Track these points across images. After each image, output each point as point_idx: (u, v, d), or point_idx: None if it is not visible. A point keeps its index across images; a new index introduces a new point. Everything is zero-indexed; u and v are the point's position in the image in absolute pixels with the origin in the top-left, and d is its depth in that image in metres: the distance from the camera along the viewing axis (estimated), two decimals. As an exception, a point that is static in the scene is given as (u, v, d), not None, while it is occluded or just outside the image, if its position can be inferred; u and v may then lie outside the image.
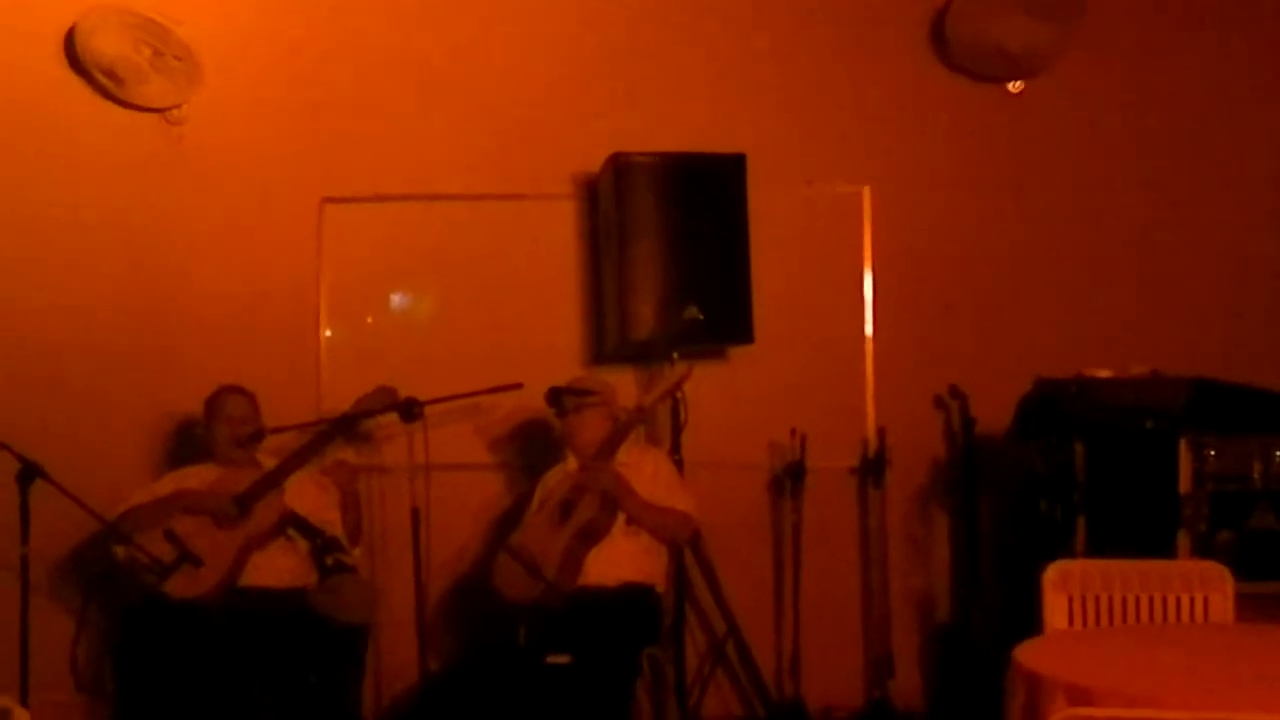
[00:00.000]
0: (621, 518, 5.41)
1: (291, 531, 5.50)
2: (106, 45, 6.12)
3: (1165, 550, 4.98)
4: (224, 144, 6.36)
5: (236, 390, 5.77)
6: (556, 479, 5.67)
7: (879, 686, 6.29)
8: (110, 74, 6.17)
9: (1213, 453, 5.00)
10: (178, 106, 6.32)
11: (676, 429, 5.97)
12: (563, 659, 5.06)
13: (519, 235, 6.41)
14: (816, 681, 6.15)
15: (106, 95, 6.26)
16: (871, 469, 6.35)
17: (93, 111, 6.29)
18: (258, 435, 5.75)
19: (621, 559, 5.42)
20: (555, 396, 5.68)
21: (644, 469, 5.61)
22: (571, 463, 5.65)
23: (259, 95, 6.39)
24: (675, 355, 5.88)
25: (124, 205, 6.33)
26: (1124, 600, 4.16)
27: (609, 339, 6.15)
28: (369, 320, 6.47)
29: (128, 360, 6.25)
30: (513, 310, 6.38)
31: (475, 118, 6.43)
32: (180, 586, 5.27)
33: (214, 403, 5.76)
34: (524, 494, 5.99)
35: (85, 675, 5.97)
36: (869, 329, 6.44)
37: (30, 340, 6.23)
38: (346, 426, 5.94)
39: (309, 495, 5.67)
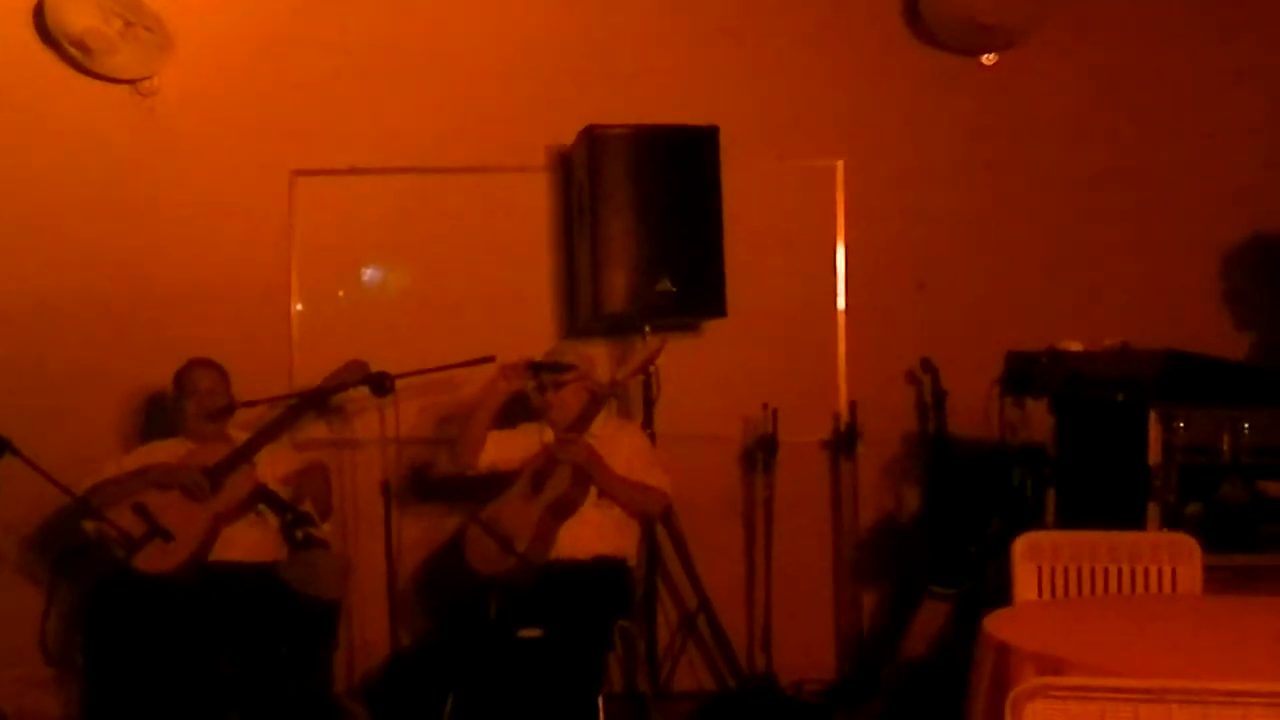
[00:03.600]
0: (593, 491, 5.42)
1: (262, 506, 5.49)
2: (76, 16, 6.07)
3: (1135, 522, 4.97)
4: (195, 116, 6.32)
5: (206, 364, 5.75)
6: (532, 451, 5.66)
7: (852, 659, 6.31)
8: (80, 45, 6.11)
9: (1182, 425, 4.99)
10: (148, 78, 6.27)
11: (649, 402, 5.97)
12: (534, 633, 5.07)
13: (491, 208, 6.40)
14: (788, 654, 6.16)
15: (76, 66, 6.21)
16: (843, 442, 6.36)
17: (62, 83, 6.24)
18: (228, 409, 5.73)
19: (593, 532, 5.43)
20: (534, 373, 5.67)
21: (620, 443, 5.62)
22: (547, 434, 5.64)
23: (230, 67, 6.35)
24: (648, 329, 5.88)
25: (94, 178, 6.29)
26: (1093, 571, 4.16)
27: (582, 312, 6.14)
28: (340, 294, 6.45)
29: (97, 333, 6.22)
30: (485, 283, 6.37)
31: (448, 90, 6.40)
32: (150, 561, 5.26)
33: (184, 376, 5.74)
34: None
35: (55, 650, 5.97)
36: (841, 303, 6.44)
37: (-4, 313, 6.20)
38: (318, 400, 5.94)
39: (280, 469, 5.65)
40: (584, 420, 5.52)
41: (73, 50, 6.15)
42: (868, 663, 6.24)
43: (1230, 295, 6.43)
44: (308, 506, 5.51)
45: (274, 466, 5.62)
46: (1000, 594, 4.25)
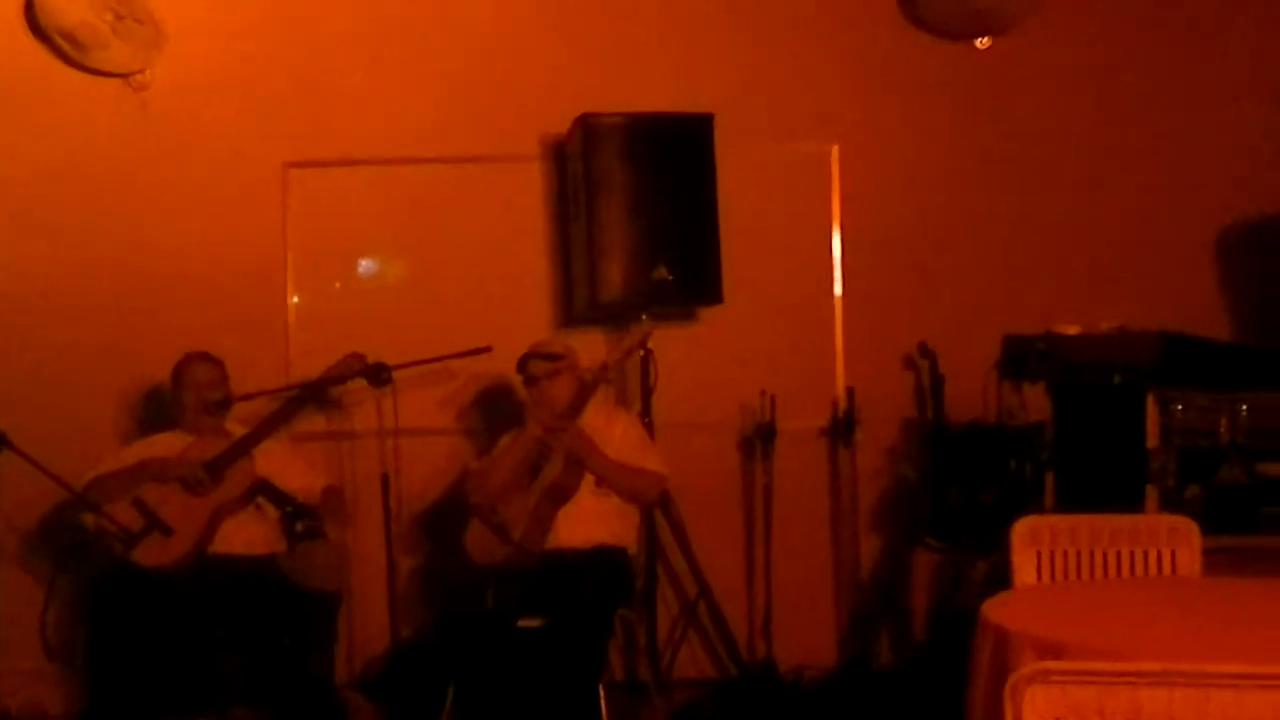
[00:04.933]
0: (590, 479, 5.42)
1: (261, 499, 5.49)
2: (67, 10, 6.05)
3: (1134, 505, 4.99)
4: (187, 109, 6.30)
5: (204, 357, 5.74)
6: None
7: (858, 645, 6.31)
8: (71, 39, 6.10)
9: (1180, 407, 5.01)
10: (140, 71, 6.26)
11: (646, 391, 5.97)
12: (534, 622, 5.07)
13: (486, 198, 6.38)
14: (788, 641, 6.16)
15: (68, 60, 6.19)
16: (841, 429, 6.35)
17: (54, 77, 6.22)
18: (225, 402, 5.72)
19: (593, 521, 5.43)
20: (524, 364, 5.66)
21: (614, 430, 5.61)
22: (535, 426, 5.62)
23: (222, 59, 6.33)
24: (644, 317, 5.86)
25: (88, 172, 6.28)
26: (1092, 555, 4.17)
27: (578, 301, 6.14)
28: (336, 286, 6.44)
29: (94, 327, 6.20)
30: (481, 273, 6.36)
31: (441, 80, 6.39)
32: (150, 555, 5.27)
33: (181, 370, 5.73)
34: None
35: (56, 645, 5.95)
36: (838, 288, 6.44)
37: (-7, 308, 6.18)
38: (316, 393, 5.93)
39: (278, 462, 5.65)
40: (575, 408, 5.51)
41: (64, 44, 6.13)
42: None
43: (1220, 279, 6.43)
44: (312, 491, 5.54)
45: (270, 460, 5.60)
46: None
